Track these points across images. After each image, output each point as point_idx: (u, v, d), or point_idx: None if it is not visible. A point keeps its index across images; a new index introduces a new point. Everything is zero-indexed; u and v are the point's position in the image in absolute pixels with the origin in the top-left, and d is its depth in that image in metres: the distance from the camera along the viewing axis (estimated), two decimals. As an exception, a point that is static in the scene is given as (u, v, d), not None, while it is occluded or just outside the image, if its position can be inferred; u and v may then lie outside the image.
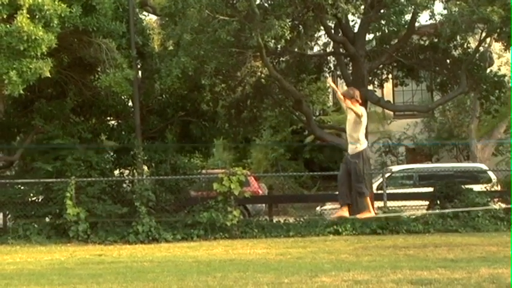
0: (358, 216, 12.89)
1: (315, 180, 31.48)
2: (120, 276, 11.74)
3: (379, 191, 21.26)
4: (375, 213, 12.58)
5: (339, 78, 28.40)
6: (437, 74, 23.73)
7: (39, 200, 20.54)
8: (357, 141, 11.32)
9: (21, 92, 16.89)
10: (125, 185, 21.62)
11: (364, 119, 11.39)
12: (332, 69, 25.16)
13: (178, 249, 16.78)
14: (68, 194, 19.07)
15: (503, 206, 20.19)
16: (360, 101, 11.56)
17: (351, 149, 11.44)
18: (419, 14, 20.65)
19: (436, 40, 21.76)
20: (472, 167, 24.35)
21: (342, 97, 11.71)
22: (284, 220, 21.18)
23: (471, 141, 28.91)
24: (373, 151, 32.07)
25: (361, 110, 11.37)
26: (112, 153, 23.20)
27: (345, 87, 25.66)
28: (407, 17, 20.97)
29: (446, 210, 19.11)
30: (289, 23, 19.31)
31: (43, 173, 19.97)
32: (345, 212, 11.75)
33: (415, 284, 9.81)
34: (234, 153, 36.72)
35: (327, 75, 26.42)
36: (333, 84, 12.28)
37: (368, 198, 11.71)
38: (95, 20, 18.39)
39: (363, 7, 19.69)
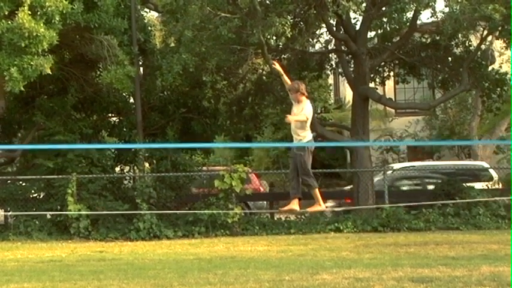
0: (309, 209, 12.95)
1: (316, 177, 31.43)
2: (121, 273, 11.76)
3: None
4: (325, 207, 12.56)
5: (340, 76, 28.36)
6: (439, 72, 23.72)
7: (41, 197, 20.56)
8: (302, 136, 11.28)
9: (22, 88, 16.89)
10: (126, 182, 21.64)
11: (310, 115, 11.31)
12: (334, 66, 25.15)
13: (180, 246, 16.80)
14: (69, 191, 19.10)
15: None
16: (306, 94, 11.48)
17: (296, 141, 11.42)
18: (420, 12, 20.65)
19: (437, 38, 21.74)
20: (473, 165, 24.34)
21: (288, 81, 11.72)
22: (285, 217, 21.20)
23: (472, 139, 28.89)
24: (375, 148, 32.04)
25: (307, 109, 11.28)
26: (113, 150, 23.24)
27: (346, 85, 25.70)
28: (409, 14, 20.99)
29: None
30: (291, 20, 19.31)
31: (44, 170, 19.97)
32: (295, 206, 11.76)
33: (416, 281, 9.81)
34: (235, 150, 36.72)
35: (328, 72, 26.42)
36: (278, 67, 12.17)
37: (317, 191, 11.70)
38: (97, 16, 18.39)
39: (364, 4, 19.67)
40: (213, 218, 19.06)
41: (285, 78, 11.87)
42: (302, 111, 11.19)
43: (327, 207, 22.48)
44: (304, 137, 11.31)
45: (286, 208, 12.70)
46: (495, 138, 29.17)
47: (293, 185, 11.78)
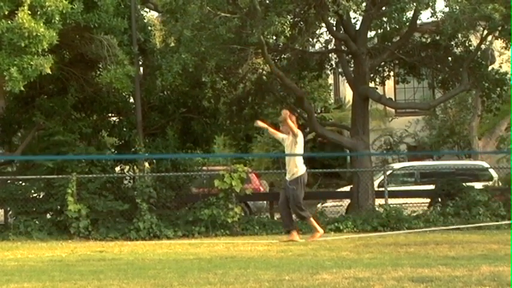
0: (309, 240, 12.93)
1: (316, 178, 31.50)
2: (121, 273, 11.74)
3: (380, 189, 21.26)
4: (323, 232, 12.61)
5: (340, 76, 28.36)
6: (439, 72, 23.73)
7: (40, 197, 20.54)
8: (295, 168, 11.33)
9: (22, 88, 16.88)
10: (126, 182, 21.63)
11: (300, 143, 11.38)
12: (334, 66, 25.15)
13: (180, 246, 16.78)
14: (69, 191, 19.09)
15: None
16: (296, 125, 11.62)
17: (289, 174, 11.47)
18: (420, 12, 20.65)
19: (437, 38, 21.76)
20: (473, 165, 24.33)
21: (275, 132, 11.85)
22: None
23: (472, 139, 28.91)
24: (375, 148, 32.08)
25: (299, 136, 11.40)
26: (113, 150, 23.23)
27: (346, 85, 25.70)
28: (409, 14, 21.00)
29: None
30: (290, 20, 19.30)
31: (44, 170, 19.97)
32: (295, 237, 11.80)
33: (416, 281, 9.79)
34: (235, 150, 36.72)
35: (328, 72, 26.43)
36: (262, 124, 12.30)
37: (312, 220, 11.72)
38: (97, 16, 18.38)
39: (364, 4, 19.68)
40: (213, 217, 19.06)
41: (271, 130, 12.02)
42: (295, 142, 11.30)
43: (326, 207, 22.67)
44: (298, 170, 11.36)
45: (286, 240, 12.77)
46: (495, 138, 29.20)
47: (285, 219, 11.85)
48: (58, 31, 16.95)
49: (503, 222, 18.68)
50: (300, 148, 11.33)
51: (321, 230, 11.92)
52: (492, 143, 29.14)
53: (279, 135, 11.77)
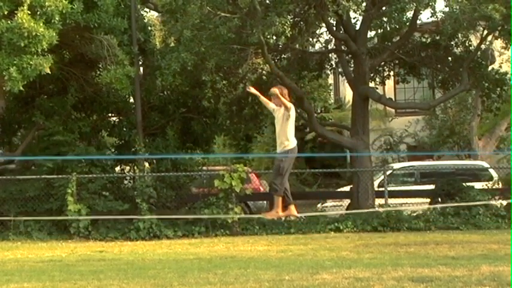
0: (265, 214, 12.96)
1: (316, 177, 31.47)
2: (121, 273, 11.75)
3: (381, 188, 21.25)
4: (282, 214, 12.57)
5: (340, 76, 28.35)
6: (439, 72, 23.73)
7: (40, 197, 20.54)
8: (286, 140, 11.28)
9: (21, 88, 16.86)
10: (126, 182, 21.62)
11: (292, 116, 11.35)
12: (334, 66, 25.14)
13: (180, 246, 16.79)
14: (69, 191, 19.09)
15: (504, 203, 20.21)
16: (288, 99, 11.60)
17: (280, 147, 11.43)
18: (421, 12, 20.66)
19: (437, 37, 21.76)
20: (473, 165, 24.31)
21: (266, 101, 11.81)
22: (285, 217, 21.18)
23: (472, 139, 28.88)
24: (375, 148, 32.06)
25: (289, 104, 11.41)
26: (113, 150, 23.22)
27: (346, 85, 25.69)
28: (409, 14, 21.00)
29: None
30: (291, 20, 19.29)
31: (44, 170, 19.96)
32: (293, 211, 11.74)
33: (416, 281, 9.80)
34: (235, 150, 36.70)
35: (328, 72, 26.42)
36: (253, 90, 12.27)
37: (280, 198, 11.67)
38: (97, 16, 18.37)
39: (364, 4, 19.67)
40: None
41: (263, 99, 11.99)
42: (287, 116, 11.26)
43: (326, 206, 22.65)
44: (288, 143, 11.30)
45: (284, 214, 12.70)
46: (495, 138, 29.16)
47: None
48: (58, 31, 16.94)
49: (490, 202, 18.68)
50: (292, 122, 11.30)
51: (280, 213, 11.87)
52: (492, 143, 29.10)
53: (271, 106, 11.74)
